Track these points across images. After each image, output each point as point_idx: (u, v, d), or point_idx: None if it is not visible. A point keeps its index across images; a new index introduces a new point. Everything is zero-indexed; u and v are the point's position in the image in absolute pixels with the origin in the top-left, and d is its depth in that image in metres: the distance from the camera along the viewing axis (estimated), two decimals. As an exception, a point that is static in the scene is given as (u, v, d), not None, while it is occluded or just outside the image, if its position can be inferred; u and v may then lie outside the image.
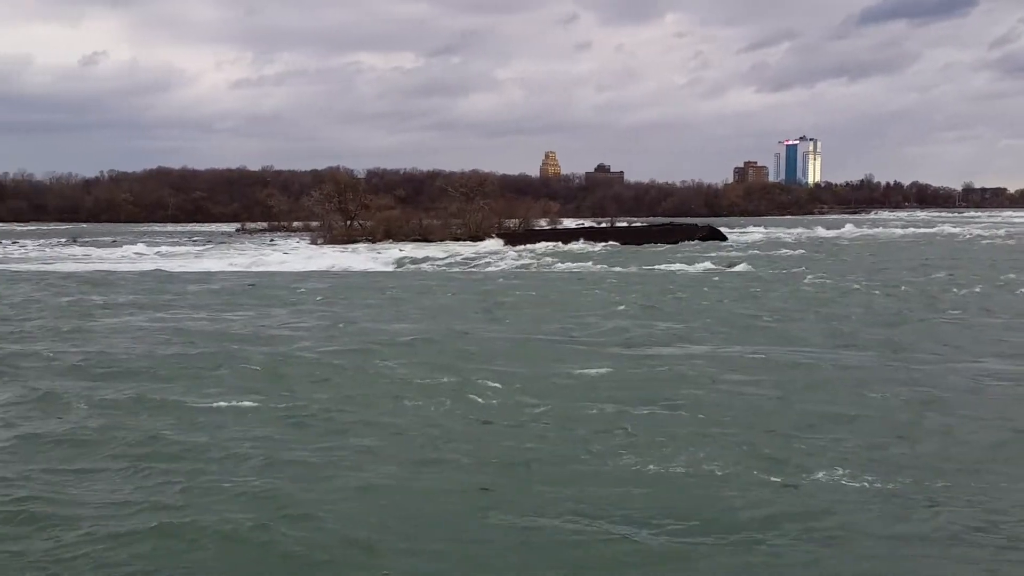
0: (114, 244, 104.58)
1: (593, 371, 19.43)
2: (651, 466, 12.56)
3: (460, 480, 12.10)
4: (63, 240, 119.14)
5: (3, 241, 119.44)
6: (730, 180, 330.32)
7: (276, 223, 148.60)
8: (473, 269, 57.80)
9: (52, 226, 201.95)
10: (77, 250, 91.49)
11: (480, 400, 16.78)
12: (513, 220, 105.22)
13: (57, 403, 16.64)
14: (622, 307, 32.86)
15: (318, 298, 37.78)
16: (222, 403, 16.62)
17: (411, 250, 74.50)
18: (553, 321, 28.44)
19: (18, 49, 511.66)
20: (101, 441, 14.03)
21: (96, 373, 19.70)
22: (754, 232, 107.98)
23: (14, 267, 61.65)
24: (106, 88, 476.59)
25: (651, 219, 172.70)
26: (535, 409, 15.99)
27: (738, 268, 52.20)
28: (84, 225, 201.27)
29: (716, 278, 46.51)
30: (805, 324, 27.50)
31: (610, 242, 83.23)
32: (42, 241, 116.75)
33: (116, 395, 17.35)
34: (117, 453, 13.43)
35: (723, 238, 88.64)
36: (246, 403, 16.58)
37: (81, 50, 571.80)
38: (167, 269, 58.84)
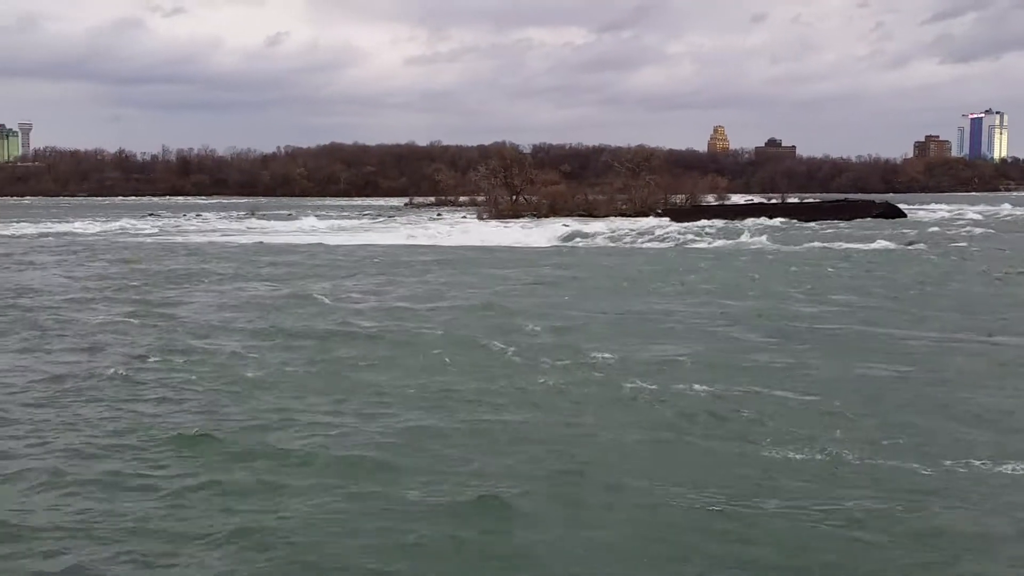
0: (289, 217, 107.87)
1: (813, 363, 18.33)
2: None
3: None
4: (242, 213, 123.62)
5: (187, 213, 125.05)
6: (909, 155, 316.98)
7: (443, 197, 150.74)
8: (636, 245, 56.71)
9: (232, 199, 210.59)
10: (255, 223, 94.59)
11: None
12: (679, 196, 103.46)
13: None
14: (795, 285, 31.45)
15: (493, 270, 37.62)
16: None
17: (575, 225, 73.82)
18: (734, 299, 27.22)
19: (210, 31, 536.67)
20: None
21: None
22: (936, 209, 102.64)
23: (236, 239, 63.88)
24: (287, 67, 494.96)
25: (824, 195, 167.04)
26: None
27: (917, 247, 49.48)
28: (262, 199, 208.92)
29: (892, 257, 44.18)
30: (994, 308, 25.42)
31: (780, 219, 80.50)
32: (223, 214, 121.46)
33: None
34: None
35: (901, 215, 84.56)
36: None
37: (266, 31, 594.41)
38: (337, 243, 59.96)
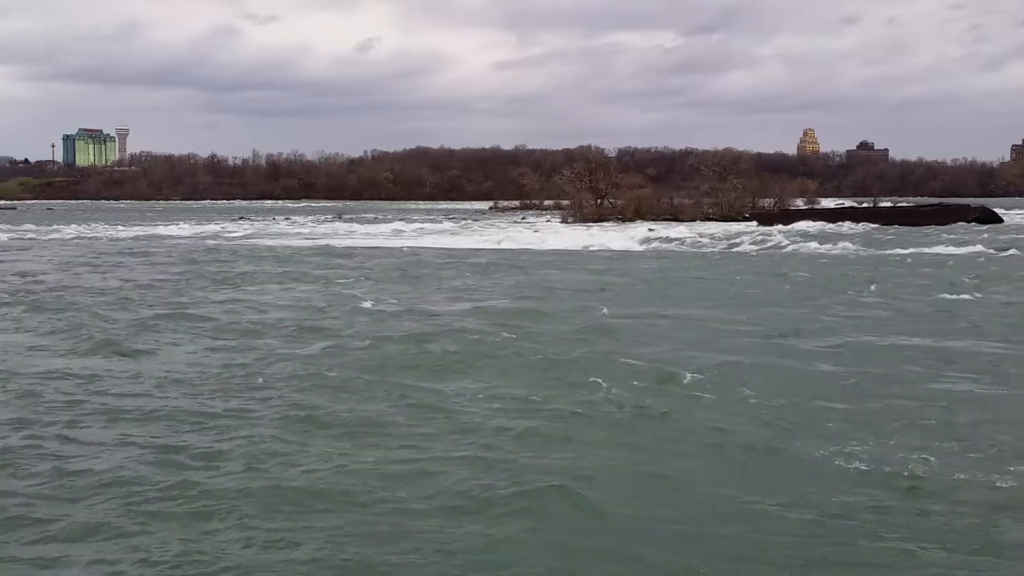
0: (375, 221, 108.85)
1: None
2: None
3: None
4: (329, 216, 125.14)
5: (276, 217, 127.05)
6: (1006, 158, 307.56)
7: (528, 201, 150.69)
8: (723, 249, 55.81)
9: (320, 203, 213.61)
10: (343, 226, 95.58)
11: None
12: (767, 199, 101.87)
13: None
14: (873, 288, 30.58)
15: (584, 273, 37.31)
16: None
17: (660, 229, 73.07)
18: (825, 305, 26.48)
19: (302, 38, 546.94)
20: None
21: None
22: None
23: (340, 243, 64.69)
24: (376, 72, 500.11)
25: (918, 199, 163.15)
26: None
27: (1011, 252, 47.70)
28: (348, 202, 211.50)
29: (986, 261, 42.76)
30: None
31: (873, 223, 78.62)
32: (311, 217, 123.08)
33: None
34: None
35: (998, 220, 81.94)
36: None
37: (357, 37, 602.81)
38: (423, 245, 60.20)
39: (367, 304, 26.99)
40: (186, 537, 9.17)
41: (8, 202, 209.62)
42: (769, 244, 57.43)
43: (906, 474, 10.98)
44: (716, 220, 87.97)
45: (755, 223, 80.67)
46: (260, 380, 16.30)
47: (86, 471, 11.18)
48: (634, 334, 21.32)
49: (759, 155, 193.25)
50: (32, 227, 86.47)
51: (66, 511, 9.87)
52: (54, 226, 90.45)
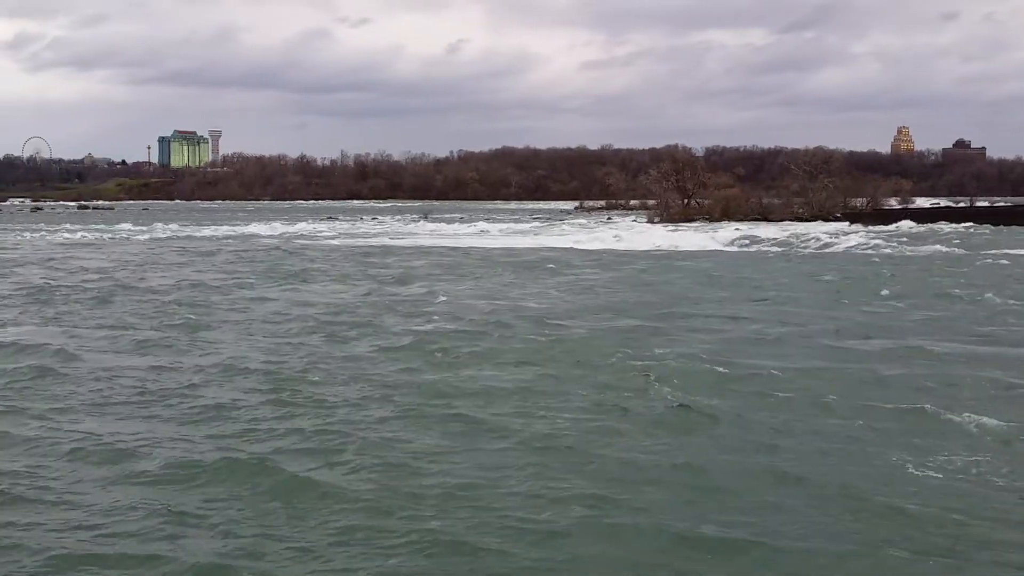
0: (461, 221, 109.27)
1: None
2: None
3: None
4: (415, 217, 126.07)
5: (363, 216, 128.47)
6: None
7: (613, 201, 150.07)
8: (813, 250, 54.65)
9: (406, 203, 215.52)
10: (429, 225, 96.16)
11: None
12: (860, 199, 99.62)
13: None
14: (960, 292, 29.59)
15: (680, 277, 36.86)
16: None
17: (748, 229, 71.90)
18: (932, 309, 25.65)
19: (392, 40, 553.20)
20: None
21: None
22: None
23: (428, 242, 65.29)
24: (464, 73, 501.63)
25: (1016, 199, 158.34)
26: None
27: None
28: (434, 202, 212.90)
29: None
30: None
31: (970, 223, 76.44)
32: (398, 217, 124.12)
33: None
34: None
35: (1101, 219, 79.08)
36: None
37: (447, 38, 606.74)
38: (510, 245, 60.19)
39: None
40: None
41: (106, 203, 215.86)
42: (861, 245, 56.09)
43: (974, 483, 10.46)
44: (806, 220, 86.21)
45: (847, 223, 78.95)
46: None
47: (197, 461, 11.30)
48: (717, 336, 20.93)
49: (851, 154, 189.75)
50: (129, 227, 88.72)
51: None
52: (152, 225, 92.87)
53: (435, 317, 24.29)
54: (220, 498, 10.31)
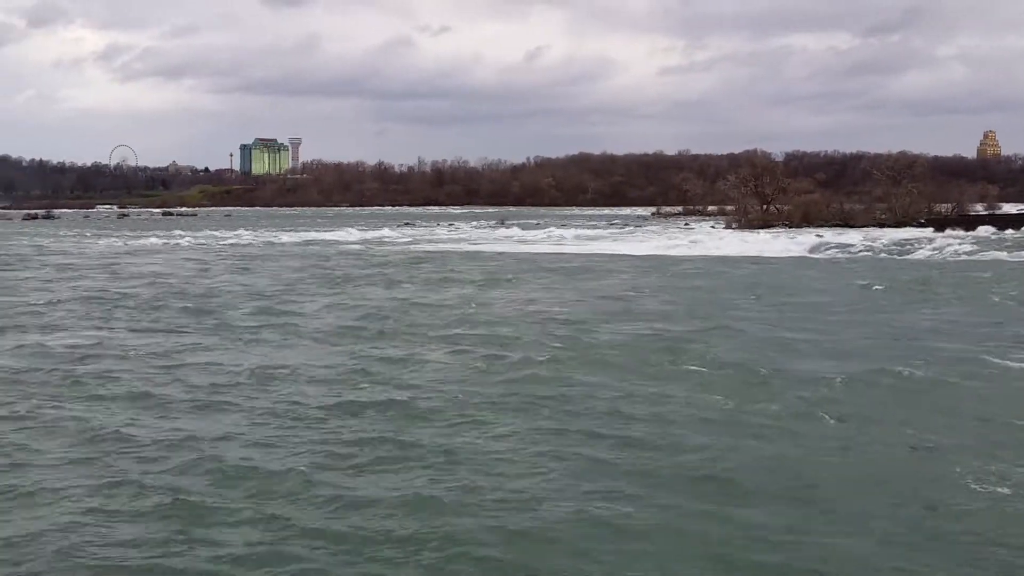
0: (537, 226, 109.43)
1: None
2: None
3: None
4: (492, 222, 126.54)
5: (441, 223, 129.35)
6: None
7: (691, 207, 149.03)
8: (895, 257, 53.60)
9: (483, 208, 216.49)
10: (505, 231, 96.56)
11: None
12: (944, 205, 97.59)
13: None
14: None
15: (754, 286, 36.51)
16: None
17: (829, 235, 70.78)
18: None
19: (473, 48, 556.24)
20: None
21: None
22: None
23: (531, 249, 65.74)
24: (542, 79, 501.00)
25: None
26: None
27: None
28: (511, 208, 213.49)
29: None
30: None
31: (1059, 230, 74.30)
32: (474, 223, 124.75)
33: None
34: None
35: None
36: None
37: (526, 46, 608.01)
38: (588, 252, 60.13)
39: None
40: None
41: (189, 209, 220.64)
42: (946, 251, 54.86)
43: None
44: (889, 226, 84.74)
45: (931, 229, 77.38)
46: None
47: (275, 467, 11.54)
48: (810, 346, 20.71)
49: (935, 158, 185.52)
50: (213, 233, 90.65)
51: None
52: (236, 231, 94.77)
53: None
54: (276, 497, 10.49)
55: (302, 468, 11.41)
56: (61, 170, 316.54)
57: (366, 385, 16.50)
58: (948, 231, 73.93)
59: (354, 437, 12.96)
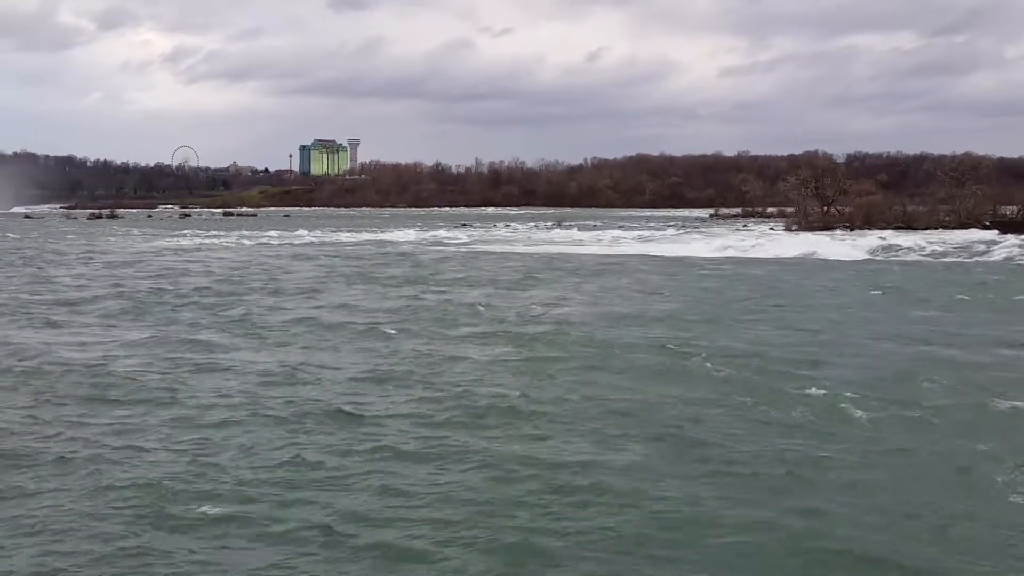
0: (595, 228, 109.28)
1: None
2: None
3: None
4: (549, 224, 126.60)
5: (497, 224, 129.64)
6: None
7: (750, 209, 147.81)
8: (960, 260, 52.80)
9: (540, 210, 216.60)
10: (563, 233, 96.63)
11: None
12: (1010, 207, 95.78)
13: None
14: None
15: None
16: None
17: (892, 237, 69.84)
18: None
19: (534, 49, 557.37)
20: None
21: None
22: None
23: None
24: (602, 80, 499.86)
25: None
26: None
27: None
28: (568, 209, 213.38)
29: None
30: None
31: None
32: (531, 224, 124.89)
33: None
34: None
35: None
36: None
37: (587, 47, 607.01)
38: (654, 253, 59.91)
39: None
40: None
41: (249, 209, 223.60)
42: (1013, 254, 53.92)
43: None
44: (953, 228, 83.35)
45: (996, 232, 76.05)
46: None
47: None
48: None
49: (1001, 160, 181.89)
50: (274, 233, 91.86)
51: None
52: (296, 232, 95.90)
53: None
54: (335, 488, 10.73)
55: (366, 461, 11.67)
56: (125, 170, 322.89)
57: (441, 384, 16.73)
58: (1013, 234, 72.60)
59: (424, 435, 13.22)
